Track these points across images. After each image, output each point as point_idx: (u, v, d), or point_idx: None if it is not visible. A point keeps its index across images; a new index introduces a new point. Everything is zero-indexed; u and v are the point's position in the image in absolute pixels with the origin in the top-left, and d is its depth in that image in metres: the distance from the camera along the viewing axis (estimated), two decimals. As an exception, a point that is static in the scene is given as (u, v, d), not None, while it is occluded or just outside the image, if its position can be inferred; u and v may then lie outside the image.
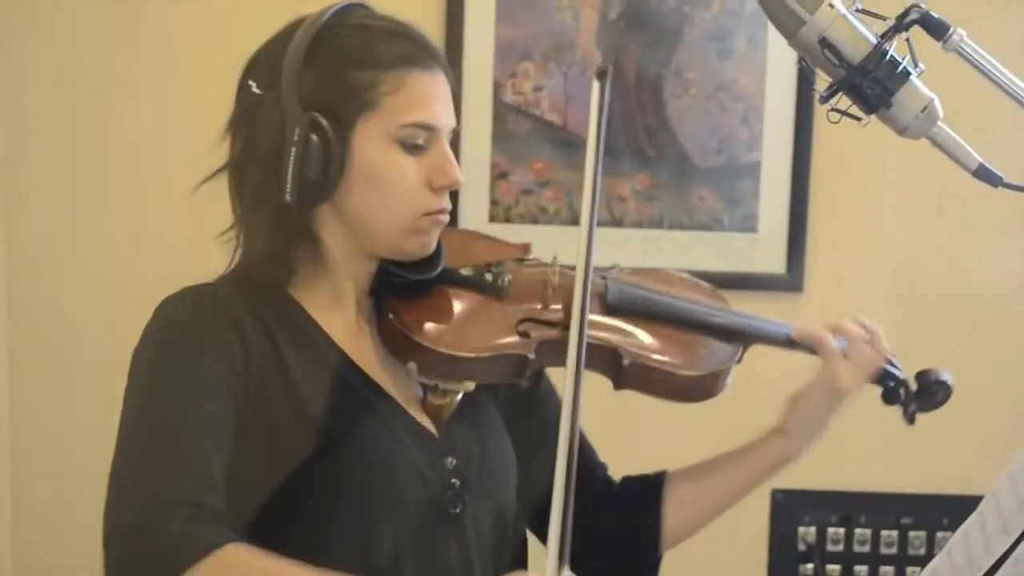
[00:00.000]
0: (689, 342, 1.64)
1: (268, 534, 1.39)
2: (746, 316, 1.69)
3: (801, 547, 2.66)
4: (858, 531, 2.66)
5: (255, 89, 1.47)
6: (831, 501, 2.66)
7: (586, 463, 1.69)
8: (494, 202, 2.61)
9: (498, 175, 2.60)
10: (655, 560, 1.70)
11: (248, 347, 1.42)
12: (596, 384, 1.57)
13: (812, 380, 1.65)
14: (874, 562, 2.67)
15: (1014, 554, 1.23)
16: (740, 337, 1.67)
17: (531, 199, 2.61)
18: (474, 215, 2.58)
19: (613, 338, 1.58)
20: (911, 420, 1.70)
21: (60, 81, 2.59)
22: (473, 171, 2.56)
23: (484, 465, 1.54)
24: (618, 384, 1.60)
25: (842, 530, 2.66)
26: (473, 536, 1.51)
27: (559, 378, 1.48)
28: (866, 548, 2.66)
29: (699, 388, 1.63)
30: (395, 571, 1.44)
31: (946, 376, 1.70)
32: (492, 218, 2.61)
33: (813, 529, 2.66)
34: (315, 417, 1.42)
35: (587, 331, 1.45)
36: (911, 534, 2.67)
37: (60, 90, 2.60)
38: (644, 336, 1.62)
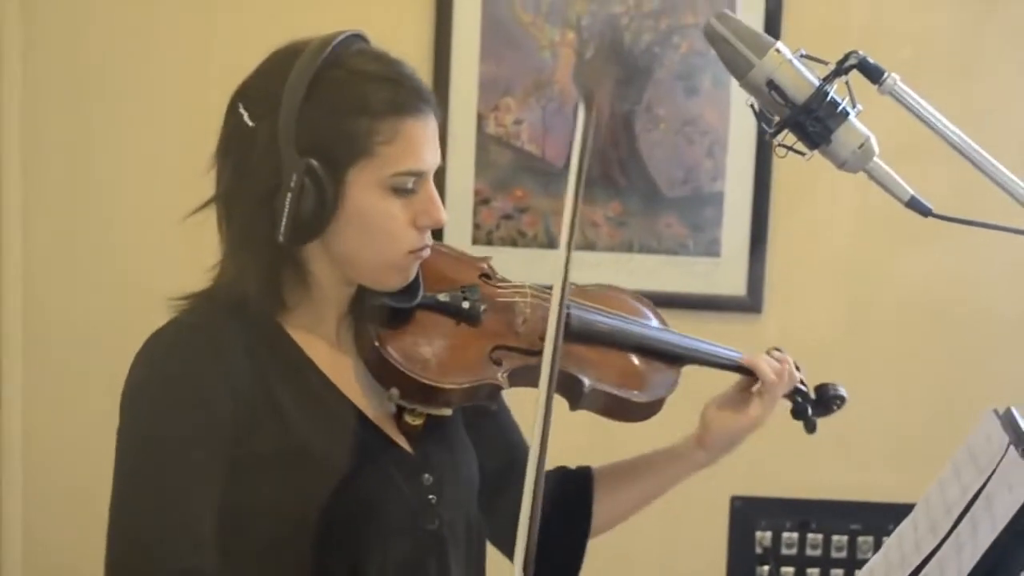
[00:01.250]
0: (642, 369, 1.66)
1: (261, 564, 1.40)
2: (691, 341, 1.71)
3: (758, 550, 2.67)
4: (811, 536, 2.67)
5: (247, 120, 1.41)
6: (786, 508, 2.67)
7: (521, 459, 1.65)
8: (477, 226, 2.64)
9: (480, 201, 2.63)
10: (581, 556, 1.71)
11: (236, 389, 1.39)
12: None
13: (736, 410, 1.69)
14: (825, 565, 2.68)
15: (938, 554, 1.24)
16: (683, 361, 1.70)
17: (511, 224, 2.64)
18: (458, 238, 2.60)
19: (575, 366, 1.58)
20: (812, 429, 1.76)
21: (76, 91, 2.57)
22: (458, 197, 2.60)
23: (456, 476, 1.53)
24: (574, 406, 1.60)
25: (796, 535, 2.67)
26: (451, 547, 1.50)
27: (527, 395, 1.46)
28: (818, 552, 2.68)
29: (646, 411, 1.65)
30: None
31: (842, 391, 1.77)
32: (475, 241, 2.63)
33: (769, 534, 2.67)
34: (300, 449, 1.40)
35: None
36: (860, 539, 2.68)
37: (75, 100, 2.58)
38: (603, 364, 1.62)
